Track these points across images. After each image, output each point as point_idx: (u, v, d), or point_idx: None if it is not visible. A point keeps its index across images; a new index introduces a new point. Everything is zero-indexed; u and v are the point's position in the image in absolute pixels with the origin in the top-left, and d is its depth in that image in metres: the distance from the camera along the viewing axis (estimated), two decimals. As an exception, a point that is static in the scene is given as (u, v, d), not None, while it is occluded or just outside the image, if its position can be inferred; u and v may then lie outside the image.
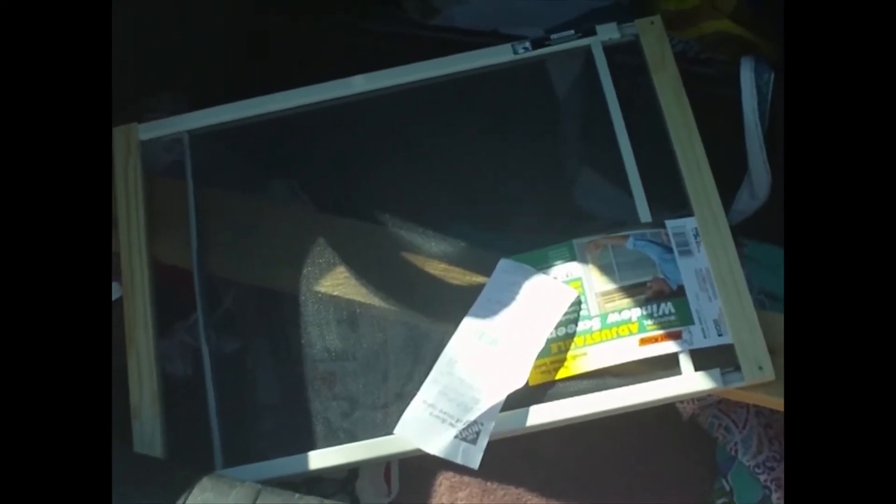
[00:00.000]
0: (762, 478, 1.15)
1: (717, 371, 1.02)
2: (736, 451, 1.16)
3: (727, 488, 1.17)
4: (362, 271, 1.13)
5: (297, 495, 0.89)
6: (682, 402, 1.19)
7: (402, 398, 1.05)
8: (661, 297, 1.05)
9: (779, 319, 1.07)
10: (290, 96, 1.20)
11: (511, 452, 1.08)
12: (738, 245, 1.23)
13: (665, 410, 1.16)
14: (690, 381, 1.02)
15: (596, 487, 1.20)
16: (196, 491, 0.90)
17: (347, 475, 1.17)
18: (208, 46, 1.30)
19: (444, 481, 1.22)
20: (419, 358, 1.08)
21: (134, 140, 1.18)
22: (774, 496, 1.13)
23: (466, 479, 1.21)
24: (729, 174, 1.23)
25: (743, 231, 1.26)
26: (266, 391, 1.12)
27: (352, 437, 1.05)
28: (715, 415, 1.19)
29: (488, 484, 1.21)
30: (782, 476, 1.14)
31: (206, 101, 1.21)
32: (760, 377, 1.02)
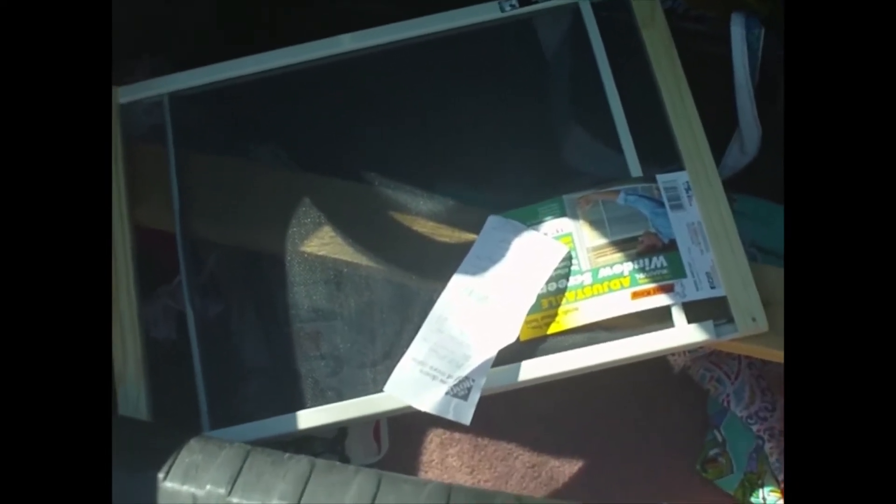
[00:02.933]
0: (755, 428, 1.13)
1: (710, 323, 1.00)
2: (728, 402, 1.15)
3: (720, 439, 1.15)
4: (349, 231, 1.10)
5: (286, 455, 0.87)
6: (673, 355, 1.17)
7: (391, 356, 1.03)
8: (652, 250, 1.03)
9: (770, 271, 1.05)
10: (273, 56, 1.16)
11: (502, 408, 1.06)
12: (728, 199, 1.22)
13: (656, 364, 1.14)
14: (683, 333, 1.00)
15: (587, 442, 1.18)
16: (184, 453, 0.87)
17: (336, 434, 1.14)
18: (188, 6, 1.26)
19: (434, 438, 1.20)
20: (408, 316, 1.05)
21: (115, 103, 1.15)
22: (767, 445, 1.12)
23: (457, 435, 1.19)
24: (719, 129, 1.21)
25: (733, 186, 1.24)
26: (252, 353, 1.10)
27: (340, 396, 1.03)
28: (706, 367, 1.17)
29: (479, 440, 1.19)
30: (775, 426, 1.13)
31: (187, 62, 1.18)
32: (754, 328, 1.00)
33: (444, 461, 1.18)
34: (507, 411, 1.15)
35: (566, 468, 1.17)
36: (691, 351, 1.15)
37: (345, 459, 1.14)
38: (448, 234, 1.09)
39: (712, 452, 1.16)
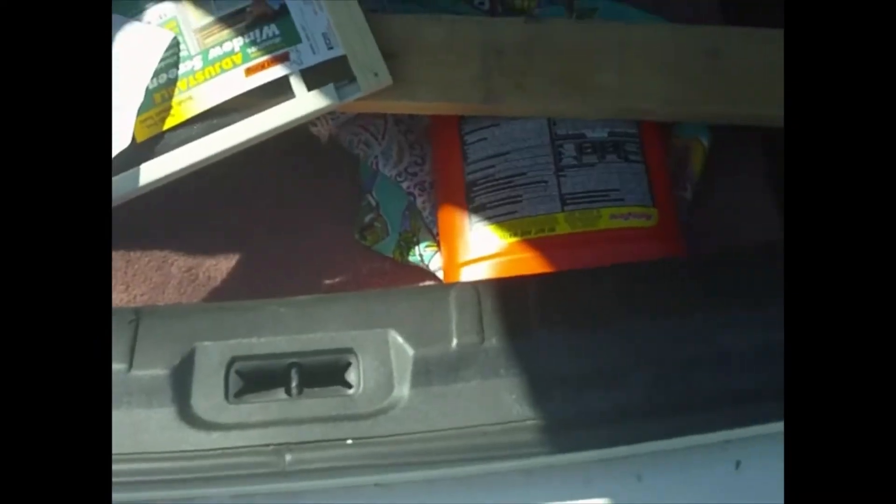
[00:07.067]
0: (405, 185, 1.13)
1: (331, 86, 0.98)
2: (377, 164, 1.13)
3: (374, 203, 1.14)
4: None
5: None
6: (314, 125, 1.13)
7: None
8: (263, 20, 0.98)
9: (393, 21, 1.03)
10: None
11: (150, 212, 1.01)
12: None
13: (303, 136, 1.10)
14: (305, 102, 0.97)
15: (242, 231, 1.15)
16: None
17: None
18: None
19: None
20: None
21: None
22: (419, 201, 1.12)
23: (106, 252, 1.13)
24: None
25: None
26: None
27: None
28: (353, 131, 1.14)
29: (131, 254, 1.12)
30: (425, 179, 1.13)
31: None
32: (377, 84, 0.98)
33: (95, 282, 1.12)
34: (155, 219, 1.09)
35: (223, 265, 1.13)
36: (335, 118, 1.12)
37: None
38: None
39: (368, 218, 1.14)
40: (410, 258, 1.12)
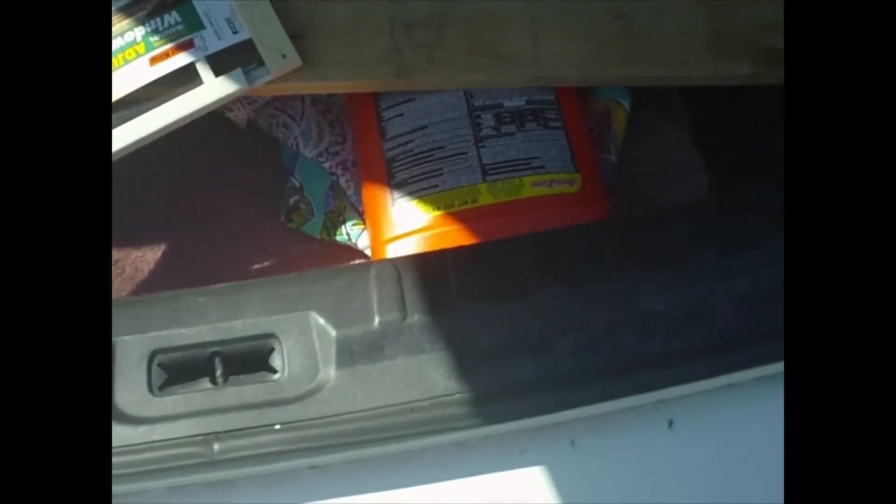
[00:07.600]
0: (327, 164, 1.13)
1: (239, 71, 0.98)
2: (298, 145, 1.13)
3: (297, 185, 1.15)
4: None
5: None
6: (231, 110, 1.12)
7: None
8: (163, 8, 0.98)
9: (300, 2, 1.02)
10: None
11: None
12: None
13: (219, 123, 1.10)
14: (214, 88, 0.97)
15: (166, 221, 1.16)
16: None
17: None
18: None
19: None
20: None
21: None
22: (342, 180, 1.12)
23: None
24: None
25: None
26: None
27: None
28: (271, 114, 1.15)
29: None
30: (347, 158, 1.13)
31: None
32: (286, 65, 0.98)
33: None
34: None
35: (149, 256, 1.14)
36: (251, 102, 1.11)
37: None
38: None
39: (293, 200, 1.14)
40: (338, 237, 1.13)
